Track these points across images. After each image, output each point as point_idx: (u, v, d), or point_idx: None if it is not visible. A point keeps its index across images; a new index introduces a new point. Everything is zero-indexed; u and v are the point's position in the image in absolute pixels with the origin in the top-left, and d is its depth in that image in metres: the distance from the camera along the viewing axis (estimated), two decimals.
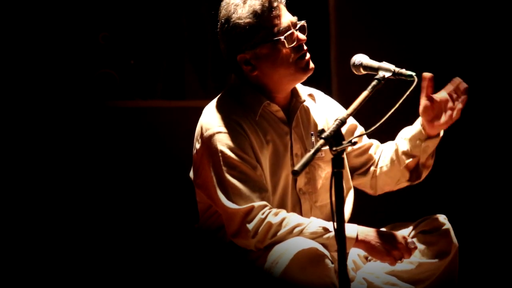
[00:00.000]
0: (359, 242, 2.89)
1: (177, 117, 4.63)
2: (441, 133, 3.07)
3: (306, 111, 3.14)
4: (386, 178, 3.19)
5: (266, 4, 2.95)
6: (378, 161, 3.21)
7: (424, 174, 3.15)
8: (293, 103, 3.10)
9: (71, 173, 4.39)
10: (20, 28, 4.31)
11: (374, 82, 2.86)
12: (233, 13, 2.96)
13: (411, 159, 3.10)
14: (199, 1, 4.71)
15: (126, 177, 4.50)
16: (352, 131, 3.21)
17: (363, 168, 3.23)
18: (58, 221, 4.33)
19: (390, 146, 3.20)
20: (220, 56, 3.09)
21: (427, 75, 2.98)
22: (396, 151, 3.13)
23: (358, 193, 3.27)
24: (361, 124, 3.25)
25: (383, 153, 3.21)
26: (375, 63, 2.96)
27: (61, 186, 4.36)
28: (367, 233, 2.90)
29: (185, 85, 4.74)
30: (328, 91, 4.66)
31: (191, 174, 3.08)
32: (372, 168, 3.22)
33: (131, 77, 4.60)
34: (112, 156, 4.49)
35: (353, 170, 3.23)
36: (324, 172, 3.10)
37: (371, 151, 3.23)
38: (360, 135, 3.20)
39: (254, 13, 2.94)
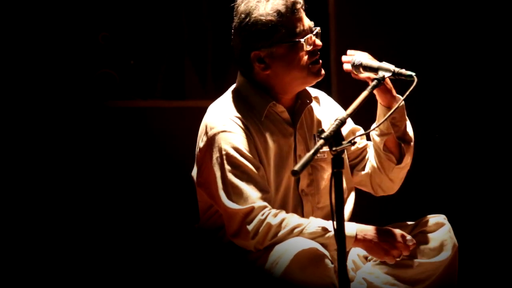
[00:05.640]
0: (358, 241, 2.90)
1: (177, 117, 4.62)
2: (401, 102, 2.95)
3: (311, 112, 3.14)
4: (378, 172, 3.16)
5: (290, 6, 2.96)
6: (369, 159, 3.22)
7: (407, 152, 3.10)
8: (298, 105, 3.10)
9: (71, 173, 4.39)
10: (20, 28, 4.31)
11: (374, 82, 2.86)
12: (255, 9, 2.96)
13: (386, 136, 3.07)
14: (199, 1, 4.70)
15: (126, 177, 4.50)
16: (354, 133, 3.20)
17: (361, 164, 3.22)
18: (58, 221, 4.33)
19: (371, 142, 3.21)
20: (220, 56, 3.09)
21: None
22: (373, 139, 3.13)
23: (359, 193, 3.27)
24: (361, 124, 3.25)
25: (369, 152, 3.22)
26: (375, 63, 2.96)
27: (61, 186, 4.36)
28: (366, 232, 2.91)
29: (185, 85, 4.73)
30: (328, 91, 4.66)
31: (194, 173, 3.08)
32: (368, 166, 3.22)
33: (131, 77, 4.60)
34: (112, 156, 4.49)
35: (353, 167, 3.23)
36: (327, 173, 3.10)
37: (367, 150, 3.23)
38: (360, 135, 3.20)
39: (277, 12, 2.95)
